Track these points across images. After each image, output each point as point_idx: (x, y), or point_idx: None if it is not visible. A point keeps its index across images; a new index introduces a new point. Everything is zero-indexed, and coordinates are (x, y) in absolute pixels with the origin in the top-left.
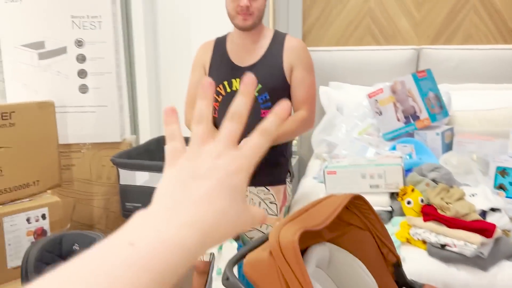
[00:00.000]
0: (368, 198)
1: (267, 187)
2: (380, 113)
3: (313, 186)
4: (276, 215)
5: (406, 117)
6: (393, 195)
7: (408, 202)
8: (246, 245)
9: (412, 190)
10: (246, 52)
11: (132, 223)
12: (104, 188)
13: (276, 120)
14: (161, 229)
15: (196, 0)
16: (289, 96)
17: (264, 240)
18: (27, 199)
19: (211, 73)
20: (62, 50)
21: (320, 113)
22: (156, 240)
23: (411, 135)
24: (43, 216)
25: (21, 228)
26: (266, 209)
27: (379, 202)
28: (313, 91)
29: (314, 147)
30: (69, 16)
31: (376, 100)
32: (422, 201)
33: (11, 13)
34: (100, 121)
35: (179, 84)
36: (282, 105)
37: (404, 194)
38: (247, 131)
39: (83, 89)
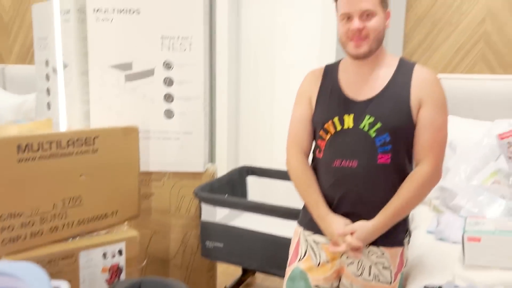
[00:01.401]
0: None
1: (381, 249)
2: None
3: (431, 246)
4: (390, 283)
5: None
6: None
7: None
8: None
9: None
10: (363, 84)
11: None
12: (182, 220)
13: None
14: None
15: (281, 26)
16: (410, 141)
17: None
18: (104, 231)
19: (318, 108)
20: (149, 72)
21: None
22: None
23: None
24: (120, 252)
25: (97, 264)
26: (378, 276)
27: None
28: (442, 135)
29: None
30: (159, 37)
31: (509, 142)
32: None
33: (101, 33)
34: (183, 148)
35: (258, 110)
36: None
37: None
38: (362, 176)
39: (169, 114)
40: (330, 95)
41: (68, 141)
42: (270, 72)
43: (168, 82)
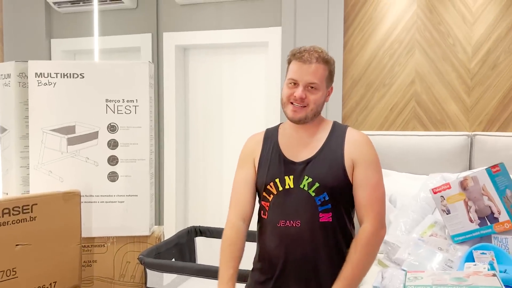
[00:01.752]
0: None
1: None
2: (448, 212)
3: None
4: None
5: (481, 218)
6: None
7: None
8: None
9: None
10: (301, 146)
11: None
12: None
13: None
14: None
15: (229, 86)
16: (348, 198)
17: None
18: None
19: (260, 171)
20: (93, 135)
21: None
22: None
23: (483, 239)
24: None
25: None
26: None
27: None
28: (379, 192)
29: None
30: (103, 100)
31: (442, 196)
32: None
33: (43, 96)
34: (128, 212)
35: (207, 170)
36: None
37: None
38: (306, 235)
39: (113, 177)
40: (271, 157)
41: (3, 210)
42: (218, 132)
43: (113, 144)
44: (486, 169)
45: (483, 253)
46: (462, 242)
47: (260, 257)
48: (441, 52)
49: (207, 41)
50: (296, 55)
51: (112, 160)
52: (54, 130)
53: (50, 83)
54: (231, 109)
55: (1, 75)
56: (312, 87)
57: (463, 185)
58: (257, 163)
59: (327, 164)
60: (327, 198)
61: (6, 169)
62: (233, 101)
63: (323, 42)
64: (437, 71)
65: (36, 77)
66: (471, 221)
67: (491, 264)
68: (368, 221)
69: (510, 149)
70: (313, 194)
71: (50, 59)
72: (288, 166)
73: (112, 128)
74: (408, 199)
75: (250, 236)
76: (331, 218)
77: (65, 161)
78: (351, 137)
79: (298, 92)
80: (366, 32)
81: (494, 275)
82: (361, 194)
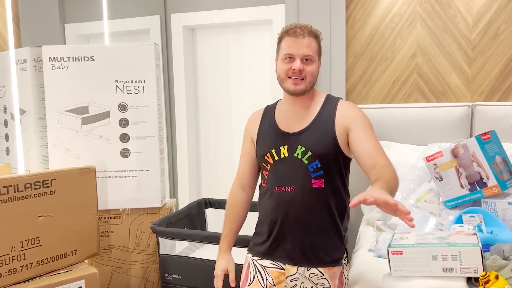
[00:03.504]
0: (442, 283)
1: (321, 270)
2: (441, 179)
3: (371, 263)
4: None
5: (471, 184)
6: (470, 280)
7: None
8: None
9: (496, 277)
10: (296, 119)
11: None
12: (142, 256)
13: None
14: None
15: (236, 64)
16: (341, 167)
17: None
18: (64, 271)
19: (259, 144)
20: (105, 115)
21: None
22: None
23: (475, 203)
24: None
25: None
26: None
27: None
28: (381, 146)
29: (365, 212)
30: (113, 81)
31: (435, 164)
32: None
33: (57, 79)
34: (141, 185)
35: (218, 144)
36: None
37: (487, 282)
38: (299, 199)
39: (125, 153)
40: (267, 130)
41: (25, 185)
42: (227, 108)
43: (124, 123)
44: (475, 137)
45: (471, 216)
46: (454, 207)
47: (259, 221)
48: (442, 24)
49: (213, 20)
50: (289, 31)
51: (124, 138)
52: (69, 111)
53: (63, 67)
54: (238, 86)
55: (18, 60)
56: (307, 60)
57: (454, 152)
58: (255, 137)
59: (319, 134)
60: (319, 165)
61: (27, 148)
62: (240, 77)
63: (325, 18)
64: (438, 43)
65: (50, 61)
66: (462, 186)
67: (479, 226)
68: (383, 161)
69: (511, 118)
70: (306, 162)
71: (65, 44)
72: (283, 137)
73: (122, 107)
74: (407, 168)
75: (254, 206)
76: (323, 184)
77: (80, 140)
78: (342, 108)
79: (296, 65)
80: (368, 6)
81: (474, 234)
82: (366, 148)
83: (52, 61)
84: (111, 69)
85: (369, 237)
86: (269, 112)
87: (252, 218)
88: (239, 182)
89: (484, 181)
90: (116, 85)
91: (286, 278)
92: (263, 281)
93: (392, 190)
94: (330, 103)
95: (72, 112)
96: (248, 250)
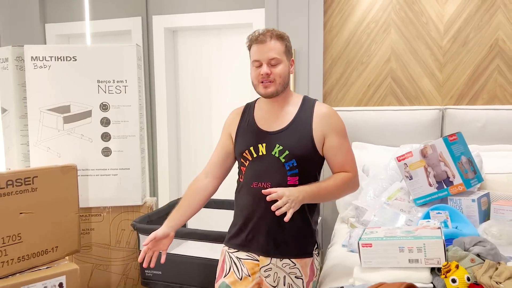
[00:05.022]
0: (408, 273)
1: (293, 260)
2: (410, 178)
3: (344, 257)
4: None
5: (439, 182)
6: (434, 270)
7: (453, 281)
8: None
9: (457, 266)
10: (274, 118)
11: None
12: (123, 253)
13: None
14: None
15: (216, 66)
16: (315, 166)
17: None
18: (45, 267)
19: (237, 140)
20: (87, 114)
21: None
22: None
23: (443, 200)
24: (61, 285)
25: None
26: (292, 285)
27: (419, 278)
28: (352, 156)
29: (340, 210)
30: (95, 81)
31: (405, 163)
32: (468, 279)
33: (39, 79)
34: (121, 184)
35: (199, 144)
36: None
37: (448, 271)
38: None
39: (106, 152)
40: (246, 128)
41: (7, 182)
42: (207, 109)
43: (105, 122)
44: (443, 138)
45: (438, 213)
46: (423, 205)
47: (236, 215)
48: (415, 31)
49: (194, 23)
50: (253, 39)
51: (105, 137)
52: (50, 110)
53: (45, 66)
54: (218, 87)
55: (0, 59)
56: (273, 62)
57: (423, 152)
58: (234, 133)
59: (297, 135)
60: (295, 164)
61: (7, 147)
62: (220, 79)
63: (304, 23)
64: (411, 49)
65: (32, 60)
66: (430, 185)
67: (445, 222)
68: (348, 172)
69: (478, 121)
70: (283, 161)
71: (45, 43)
72: (261, 135)
73: (104, 107)
74: (380, 168)
75: (230, 205)
76: (297, 181)
77: (62, 138)
78: (319, 110)
79: (264, 69)
80: (345, 12)
81: (438, 228)
82: (337, 159)
83: (34, 60)
84: (93, 69)
85: (343, 234)
86: (248, 110)
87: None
88: (205, 169)
89: (450, 179)
90: (98, 85)
91: (260, 269)
92: (238, 272)
93: (324, 193)
94: (307, 104)
95: (54, 111)
96: (224, 243)
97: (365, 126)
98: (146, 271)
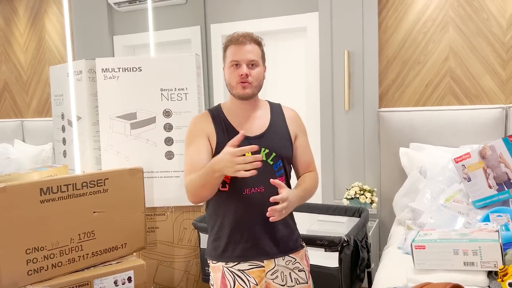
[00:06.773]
0: (463, 276)
1: (292, 256)
2: (469, 179)
3: (399, 259)
4: (307, 283)
5: (499, 184)
6: (491, 273)
7: (510, 284)
8: None
9: None
10: (251, 122)
11: None
12: (184, 250)
13: None
14: None
15: (272, 70)
16: (290, 164)
17: None
18: (115, 262)
19: (219, 148)
20: (151, 120)
21: (401, 175)
22: None
23: (505, 203)
24: (129, 279)
25: None
26: (298, 279)
27: (475, 281)
28: (312, 154)
29: (397, 212)
30: (158, 89)
31: (463, 165)
32: None
33: (108, 89)
34: (183, 185)
35: None
36: None
37: (505, 275)
38: (266, 197)
39: (169, 155)
40: (226, 135)
41: (82, 183)
42: None
43: (168, 127)
44: (503, 138)
45: (499, 216)
46: (482, 207)
47: (218, 227)
48: (475, 27)
49: (250, 29)
50: (233, 40)
51: (168, 141)
52: (119, 117)
53: (114, 77)
54: (274, 91)
55: (75, 71)
56: (252, 65)
57: (481, 154)
58: (214, 139)
59: (278, 137)
60: (281, 164)
61: (82, 152)
62: (276, 83)
63: (358, 24)
64: (471, 46)
65: (102, 72)
66: (490, 187)
67: (506, 225)
68: (313, 171)
69: None
70: (271, 163)
71: (113, 54)
72: (244, 142)
73: (167, 113)
74: (438, 170)
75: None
76: (284, 181)
77: (129, 143)
78: (288, 113)
79: (243, 70)
80: (400, 12)
81: (497, 231)
82: (305, 157)
83: (105, 72)
84: (156, 79)
85: (399, 236)
86: (217, 115)
87: None
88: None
89: (511, 181)
90: (161, 93)
91: (266, 274)
92: (246, 284)
93: (307, 195)
94: (276, 107)
95: (122, 118)
96: (215, 260)
97: (423, 126)
98: (206, 268)
